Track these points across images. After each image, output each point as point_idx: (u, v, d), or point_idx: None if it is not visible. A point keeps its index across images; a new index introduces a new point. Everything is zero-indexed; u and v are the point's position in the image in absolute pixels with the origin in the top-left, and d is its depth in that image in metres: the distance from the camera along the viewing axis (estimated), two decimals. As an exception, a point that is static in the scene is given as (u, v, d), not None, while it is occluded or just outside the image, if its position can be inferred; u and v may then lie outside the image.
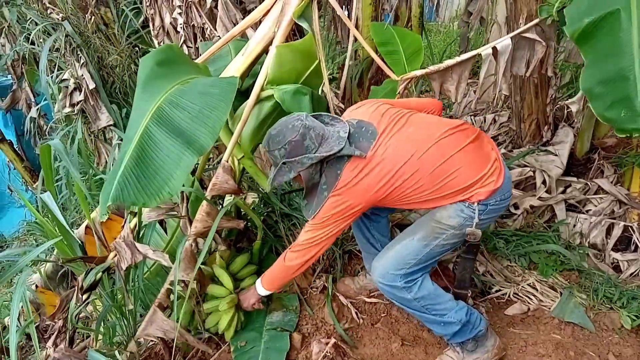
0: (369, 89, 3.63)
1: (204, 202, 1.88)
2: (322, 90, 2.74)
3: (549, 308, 2.09)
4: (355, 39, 3.58)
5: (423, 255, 1.70)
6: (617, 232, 2.36)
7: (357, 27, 3.58)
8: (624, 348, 1.94)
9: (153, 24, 3.66)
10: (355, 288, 2.19)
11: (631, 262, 2.29)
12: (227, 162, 1.93)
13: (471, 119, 3.40)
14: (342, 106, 3.63)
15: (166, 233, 2.33)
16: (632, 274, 2.27)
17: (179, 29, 3.49)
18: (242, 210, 2.17)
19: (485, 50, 2.08)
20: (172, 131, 1.35)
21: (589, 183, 2.47)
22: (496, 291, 2.20)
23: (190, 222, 1.89)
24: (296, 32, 3.06)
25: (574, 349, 1.92)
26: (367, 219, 2.05)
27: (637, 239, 2.30)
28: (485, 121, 3.28)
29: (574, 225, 2.43)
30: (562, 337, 1.96)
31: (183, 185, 2.11)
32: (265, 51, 2.14)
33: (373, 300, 2.16)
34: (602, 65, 1.69)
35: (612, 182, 2.47)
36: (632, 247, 2.35)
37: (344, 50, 3.21)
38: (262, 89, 1.99)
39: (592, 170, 2.53)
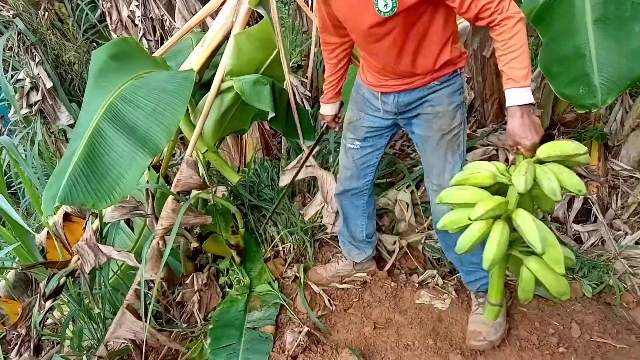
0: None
1: (169, 199, 1.86)
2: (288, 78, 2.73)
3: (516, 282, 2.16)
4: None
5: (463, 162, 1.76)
6: (577, 204, 2.44)
7: (319, 13, 3.57)
8: (586, 316, 2.01)
9: (110, 18, 3.56)
10: (327, 276, 2.21)
11: (591, 232, 2.38)
12: (191, 156, 1.91)
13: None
14: (309, 94, 3.62)
15: (133, 232, 2.30)
16: (592, 244, 2.36)
17: (137, 21, 3.41)
18: (216, 203, 2.15)
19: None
20: (125, 129, 1.32)
21: (549, 159, 2.53)
22: (464, 269, 2.25)
23: (157, 220, 1.86)
24: (258, 20, 3.03)
25: (539, 320, 1.98)
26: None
27: (596, 210, 2.38)
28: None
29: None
30: (528, 310, 2.03)
31: (147, 182, 2.10)
32: (224, 41, 2.11)
33: (345, 286, 2.18)
34: (559, 44, 1.74)
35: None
36: (592, 219, 2.43)
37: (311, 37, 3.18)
38: (222, 81, 1.97)
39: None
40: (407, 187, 2.55)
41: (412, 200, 2.51)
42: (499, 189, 1.40)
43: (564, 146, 1.33)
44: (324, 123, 2.02)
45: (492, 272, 1.54)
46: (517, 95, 1.36)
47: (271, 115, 1.90)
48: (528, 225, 1.28)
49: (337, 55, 1.82)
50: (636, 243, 2.38)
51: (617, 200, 2.52)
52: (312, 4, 3.54)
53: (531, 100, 1.36)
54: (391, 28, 1.47)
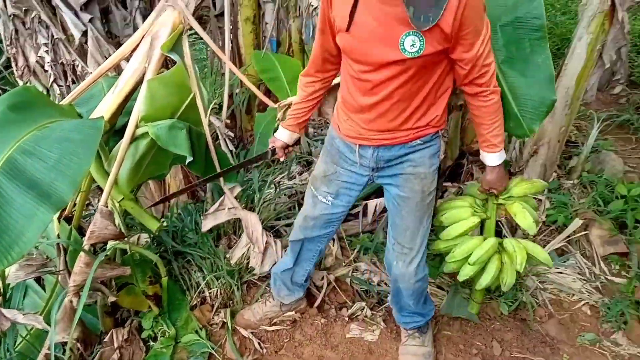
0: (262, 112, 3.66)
1: (82, 253, 1.76)
2: (209, 120, 2.72)
3: (439, 307, 2.24)
4: (240, 66, 3.63)
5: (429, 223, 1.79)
6: (490, 227, 2.61)
7: (240, 55, 3.62)
8: (505, 333, 2.13)
9: (16, 64, 3.38)
10: (255, 320, 2.16)
11: (505, 253, 2.54)
12: (106, 206, 1.83)
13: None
14: (232, 134, 3.62)
15: (44, 290, 2.13)
16: (506, 264, 2.52)
17: (47, 67, 3.27)
18: (134, 253, 2.06)
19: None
20: (25, 184, 1.25)
21: (461, 186, 2.71)
22: (392, 299, 2.30)
23: (70, 276, 1.75)
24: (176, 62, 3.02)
25: (463, 342, 2.07)
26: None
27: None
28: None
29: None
30: (452, 333, 2.11)
31: (58, 236, 1.97)
32: (138, 86, 2.08)
33: (275, 327, 2.15)
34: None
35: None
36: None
37: (231, 78, 3.21)
38: (136, 127, 1.92)
39: (463, 174, 2.78)
40: (332, 222, 2.60)
41: (338, 234, 2.56)
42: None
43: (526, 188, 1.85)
44: (273, 147, 1.90)
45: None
46: (497, 156, 1.64)
47: (189, 159, 1.87)
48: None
49: (315, 87, 1.74)
50: (544, 260, 2.58)
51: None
52: (232, 46, 3.60)
53: (504, 157, 1.67)
54: (405, 70, 1.41)
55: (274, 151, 1.92)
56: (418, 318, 1.99)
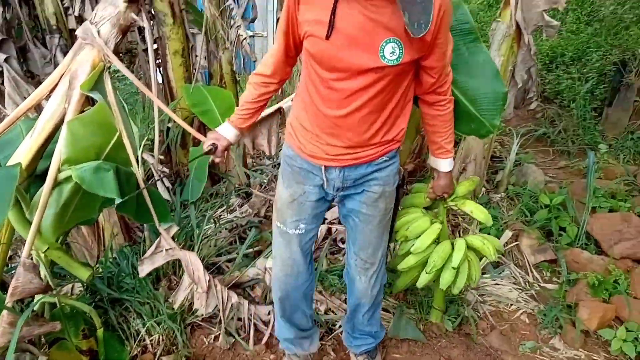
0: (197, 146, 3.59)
1: (4, 311, 1.62)
2: (142, 158, 2.63)
3: (386, 330, 2.25)
4: (172, 100, 3.55)
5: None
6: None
7: (170, 89, 3.55)
8: (451, 350, 2.17)
9: None
10: None
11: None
12: (29, 258, 1.70)
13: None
14: (167, 170, 3.52)
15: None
16: (447, 280, 2.59)
17: (-42, 111, 3.04)
18: (64, 306, 1.91)
19: (287, 103, 2.23)
20: None
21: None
22: (340, 327, 2.29)
23: (-10, 338, 1.60)
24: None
25: (412, 363, 2.08)
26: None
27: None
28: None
29: (394, 248, 2.68)
30: (401, 355, 2.12)
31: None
32: (59, 128, 1.97)
33: (222, 369, 2.07)
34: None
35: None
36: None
37: (163, 113, 3.12)
38: (58, 171, 1.82)
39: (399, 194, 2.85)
40: (275, 253, 2.56)
41: (282, 265, 2.52)
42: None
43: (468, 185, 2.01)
44: (214, 145, 1.69)
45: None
46: (450, 162, 1.72)
47: (118, 201, 1.79)
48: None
49: (269, 88, 1.64)
50: (482, 273, 2.68)
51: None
52: (163, 79, 3.53)
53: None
54: (381, 78, 1.37)
55: (211, 150, 1.72)
56: (370, 340, 1.98)
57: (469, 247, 2.01)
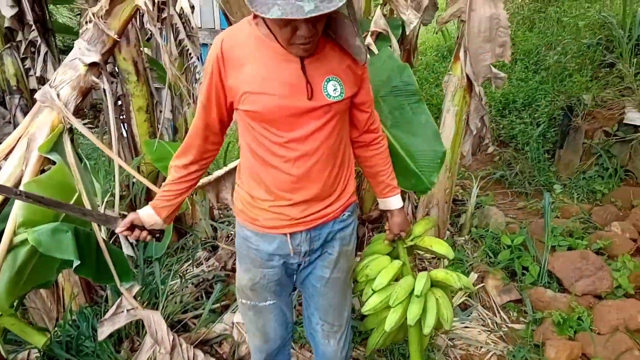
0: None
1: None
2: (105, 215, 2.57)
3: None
4: (136, 154, 3.54)
5: None
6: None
7: (135, 144, 3.56)
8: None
9: None
10: None
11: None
12: (-21, 327, 1.62)
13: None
14: (131, 226, 3.44)
15: None
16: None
17: None
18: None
19: (249, 158, 2.27)
20: None
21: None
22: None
23: None
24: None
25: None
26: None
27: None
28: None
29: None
30: (373, 408, 2.08)
31: None
32: (16, 190, 1.94)
33: None
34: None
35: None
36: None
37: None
38: (14, 234, 1.77)
39: (365, 240, 2.89)
40: (242, 308, 2.52)
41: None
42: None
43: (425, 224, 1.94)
44: (130, 227, 1.52)
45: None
46: (398, 198, 1.69)
47: (76, 263, 1.75)
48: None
49: (190, 170, 1.52)
50: (450, 316, 2.69)
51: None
52: (127, 135, 3.53)
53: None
54: (330, 118, 1.38)
55: (115, 220, 1.57)
56: None
57: (434, 281, 1.95)
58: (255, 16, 1.34)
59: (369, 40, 2.41)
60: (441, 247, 1.89)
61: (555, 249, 3.08)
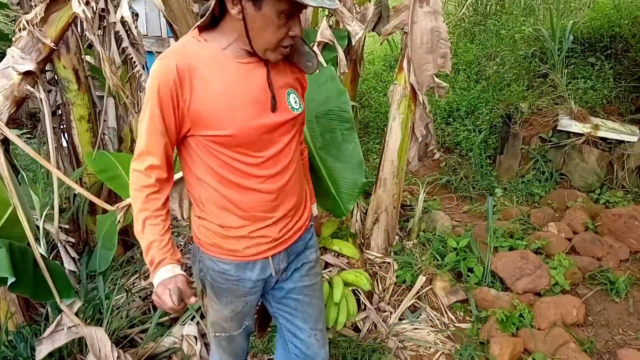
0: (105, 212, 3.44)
1: None
2: (44, 228, 2.46)
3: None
4: (78, 166, 3.40)
5: None
6: (349, 297, 2.73)
7: (77, 155, 3.42)
8: (375, 401, 2.18)
9: None
10: None
11: (365, 320, 2.66)
12: None
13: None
14: (73, 240, 3.31)
15: None
16: (368, 329, 2.63)
17: None
18: None
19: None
20: None
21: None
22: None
23: None
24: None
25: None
26: None
27: (363, 298, 2.69)
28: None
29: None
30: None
31: None
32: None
33: None
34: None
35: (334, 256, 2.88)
36: (362, 307, 2.73)
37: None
38: (-59, 252, 1.66)
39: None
40: (192, 319, 2.48)
41: (200, 331, 2.44)
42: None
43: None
44: (180, 301, 1.23)
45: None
46: (315, 207, 1.73)
47: (11, 280, 1.66)
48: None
49: (164, 195, 1.33)
50: (400, 319, 2.76)
51: (378, 285, 2.92)
52: (68, 145, 3.39)
53: None
54: (296, 132, 1.39)
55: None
56: None
57: (344, 282, 2.07)
58: (202, 30, 1.27)
59: (315, 50, 2.45)
60: (349, 249, 2.02)
61: (497, 250, 3.22)
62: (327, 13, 2.51)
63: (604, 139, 3.94)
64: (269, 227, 1.39)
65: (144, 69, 4.06)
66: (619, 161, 3.91)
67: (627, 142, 3.88)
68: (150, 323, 2.47)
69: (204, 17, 1.24)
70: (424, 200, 3.58)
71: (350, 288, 2.05)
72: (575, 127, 3.99)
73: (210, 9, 1.21)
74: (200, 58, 1.23)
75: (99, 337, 2.00)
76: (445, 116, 5.09)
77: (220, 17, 1.25)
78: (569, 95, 4.20)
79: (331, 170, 1.88)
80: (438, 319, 2.86)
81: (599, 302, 2.91)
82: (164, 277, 1.25)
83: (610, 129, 3.92)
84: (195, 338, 2.37)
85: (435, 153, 3.40)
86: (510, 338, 2.58)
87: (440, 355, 2.60)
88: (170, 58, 1.22)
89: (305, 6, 1.16)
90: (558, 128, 4.10)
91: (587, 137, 3.95)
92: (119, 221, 2.07)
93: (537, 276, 2.97)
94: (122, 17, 2.14)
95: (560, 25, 4.51)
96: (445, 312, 2.92)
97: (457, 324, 2.84)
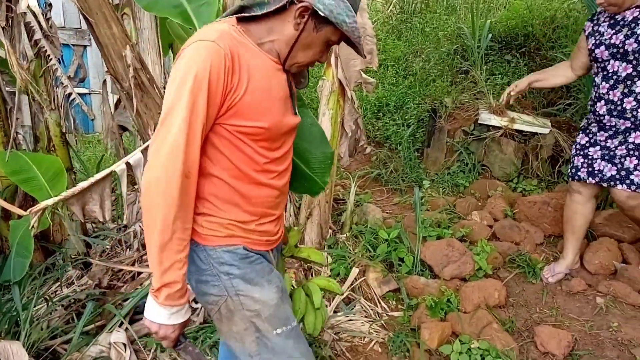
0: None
1: None
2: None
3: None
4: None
5: None
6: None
7: (-15, 155, 3.15)
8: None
9: None
10: None
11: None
12: None
13: (141, 225, 3.39)
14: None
15: None
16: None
17: None
18: None
19: (120, 167, 2.14)
20: None
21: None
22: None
23: None
24: None
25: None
26: None
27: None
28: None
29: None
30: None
31: None
32: None
33: None
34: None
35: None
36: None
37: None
38: None
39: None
40: (120, 326, 2.37)
41: (129, 337, 2.34)
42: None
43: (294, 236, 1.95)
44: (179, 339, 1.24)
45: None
46: None
47: None
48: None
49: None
50: (335, 311, 2.80)
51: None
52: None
53: None
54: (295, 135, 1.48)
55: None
56: None
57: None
58: (240, 21, 1.27)
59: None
60: (316, 256, 2.04)
61: (426, 239, 3.36)
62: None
63: (520, 132, 4.22)
64: (270, 224, 1.40)
65: (60, 62, 3.81)
66: (533, 152, 4.20)
67: (540, 134, 4.18)
68: (74, 333, 2.33)
69: (254, 10, 1.26)
70: (356, 194, 3.65)
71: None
72: (494, 120, 4.24)
73: (277, 5, 1.22)
74: (242, 46, 1.22)
75: (14, 352, 1.87)
76: (375, 111, 5.22)
77: (264, 15, 1.26)
78: (488, 90, 4.45)
79: (300, 152, 1.86)
80: (372, 309, 2.94)
81: (518, 283, 3.12)
82: (179, 321, 1.20)
83: (525, 122, 4.20)
84: (124, 345, 2.27)
85: (366, 148, 3.48)
86: (439, 323, 2.70)
87: (375, 344, 2.67)
88: (219, 40, 1.16)
89: (355, 46, 1.32)
90: (479, 122, 4.34)
91: (504, 130, 4.21)
92: (32, 227, 1.93)
93: (462, 262, 3.13)
94: (28, 6, 1.98)
95: (479, 24, 4.77)
96: (379, 302, 3.01)
97: (390, 313, 2.93)
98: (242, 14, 1.27)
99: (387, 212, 3.93)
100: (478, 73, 4.63)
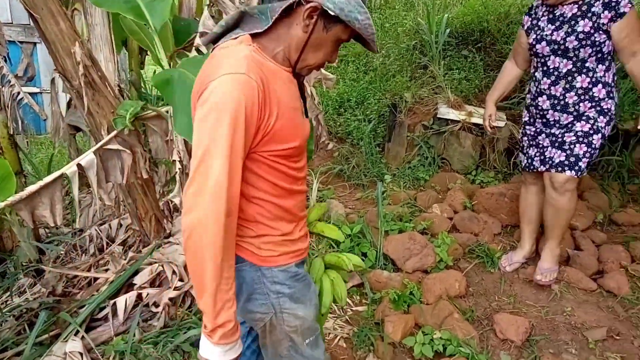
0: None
1: None
2: None
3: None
4: None
5: None
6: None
7: None
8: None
9: None
10: None
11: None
12: None
13: (97, 229, 3.28)
14: None
15: None
16: (268, 323, 2.64)
17: None
18: None
19: (71, 169, 2.05)
20: None
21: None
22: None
23: None
24: None
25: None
26: None
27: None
28: (111, 228, 3.23)
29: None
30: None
31: None
32: None
33: None
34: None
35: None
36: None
37: None
38: None
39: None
40: (75, 335, 2.28)
41: (85, 346, 2.26)
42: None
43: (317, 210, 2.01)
44: None
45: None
46: None
47: None
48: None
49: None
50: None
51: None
52: None
53: None
54: None
55: None
56: None
57: (327, 264, 2.04)
58: (254, 37, 1.23)
59: (197, 41, 2.36)
60: (332, 232, 2.01)
61: (388, 233, 3.40)
62: (208, 2, 2.42)
63: (477, 125, 4.32)
64: (304, 225, 1.45)
65: (5, 61, 3.62)
66: (490, 145, 4.32)
67: (496, 127, 4.29)
68: (27, 344, 2.23)
69: (257, 17, 1.23)
70: (319, 190, 3.65)
71: (339, 271, 2.02)
72: (453, 114, 4.32)
73: (283, 7, 1.18)
74: (265, 68, 1.19)
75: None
76: (337, 107, 5.23)
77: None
78: (446, 85, 4.54)
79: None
80: (336, 305, 2.95)
81: (478, 273, 3.20)
82: (232, 357, 1.18)
83: (482, 116, 4.31)
84: (81, 354, 2.19)
85: (328, 144, 3.48)
86: (402, 315, 2.74)
87: (339, 339, 2.69)
88: (250, 72, 1.12)
89: (368, 44, 1.28)
90: (438, 116, 4.42)
91: (462, 124, 4.31)
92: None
93: (423, 255, 3.18)
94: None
95: (436, 20, 4.84)
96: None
97: (354, 308, 2.95)
98: (255, 32, 1.23)
99: (349, 208, 3.95)
100: (436, 68, 4.70)
